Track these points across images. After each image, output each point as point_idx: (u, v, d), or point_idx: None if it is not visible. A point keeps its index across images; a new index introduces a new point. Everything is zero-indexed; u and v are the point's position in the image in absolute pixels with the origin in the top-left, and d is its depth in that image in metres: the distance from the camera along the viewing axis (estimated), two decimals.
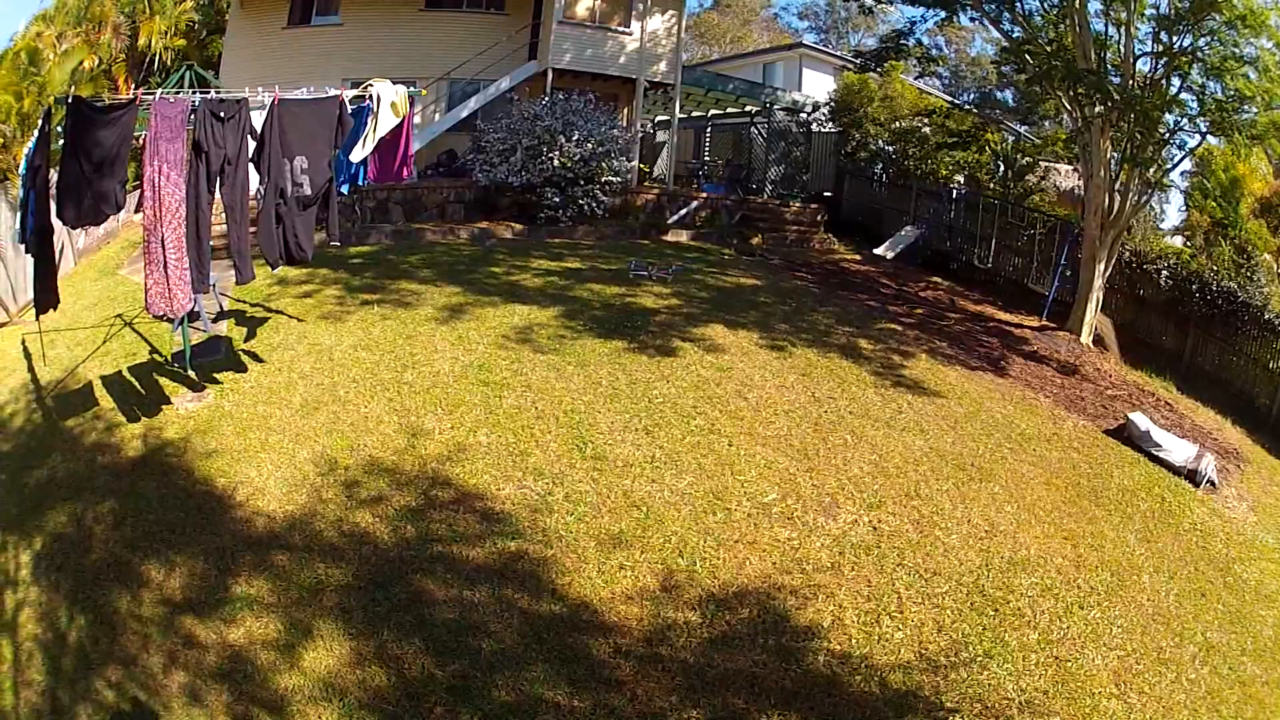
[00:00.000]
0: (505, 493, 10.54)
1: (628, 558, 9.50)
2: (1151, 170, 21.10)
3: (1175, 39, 19.18)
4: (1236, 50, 18.19)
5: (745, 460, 11.71)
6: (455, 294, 17.49)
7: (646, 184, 31.47)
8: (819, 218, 31.36)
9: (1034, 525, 11.41)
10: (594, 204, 26.18)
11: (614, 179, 26.74)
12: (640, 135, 32.84)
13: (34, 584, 9.41)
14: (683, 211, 29.42)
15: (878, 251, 27.99)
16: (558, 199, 25.43)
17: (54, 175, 11.29)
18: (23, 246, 11.84)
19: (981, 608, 9.51)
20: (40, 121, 11.06)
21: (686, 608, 8.86)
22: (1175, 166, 23.47)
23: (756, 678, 8.14)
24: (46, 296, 11.82)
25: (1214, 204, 31.29)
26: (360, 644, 8.26)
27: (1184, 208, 36.06)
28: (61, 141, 10.54)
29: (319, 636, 8.35)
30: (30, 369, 14.67)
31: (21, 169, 11.45)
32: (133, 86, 31.68)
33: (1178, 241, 33.97)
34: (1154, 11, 19.85)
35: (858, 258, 28.12)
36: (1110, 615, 9.92)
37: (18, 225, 12.20)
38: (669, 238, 27.51)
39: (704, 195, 31.03)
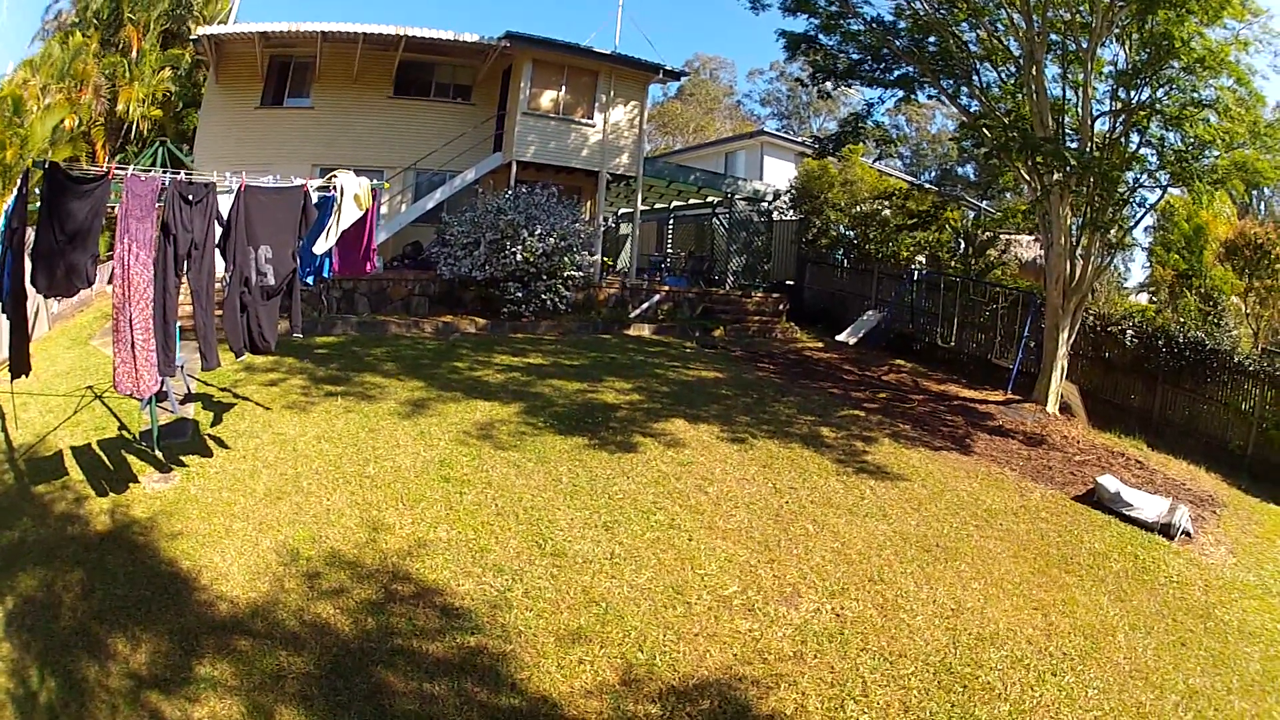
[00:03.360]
0: (465, 588, 10.55)
1: (587, 652, 9.50)
2: (1113, 231, 21.83)
3: (1133, 93, 19.94)
4: (1195, 95, 19.05)
5: (705, 554, 11.79)
6: (418, 388, 17.74)
7: (610, 277, 31.90)
8: (781, 307, 31.97)
9: (1002, 599, 11.50)
10: (557, 299, 26.57)
11: (576, 273, 27.18)
12: (603, 228, 33.28)
13: (5, 640, 9.28)
14: (645, 305, 29.93)
15: (840, 338, 28.68)
16: (521, 294, 25.85)
17: (30, 237, 11.32)
18: None
19: (949, 685, 9.52)
20: (19, 181, 11.14)
21: (646, 700, 8.83)
22: (1137, 224, 24.19)
23: None
24: (19, 361, 11.93)
25: (1177, 256, 32.14)
26: None
27: (1147, 264, 36.85)
28: (38, 205, 10.64)
29: None
30: (3, 428, 14.70)
31: (4, 225, 11.46)
32: (109, 153, 32.01)
33: (1143, 299, 34.90)
34: (1111, 69, 20.77)
35: (820, 345, 28.82)
36: (1085, 679, 9.94)
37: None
38: (632, 332, 27.88)
39: (666, 288, 31.49)
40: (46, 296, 13.02)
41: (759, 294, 33.02)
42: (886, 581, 11.60)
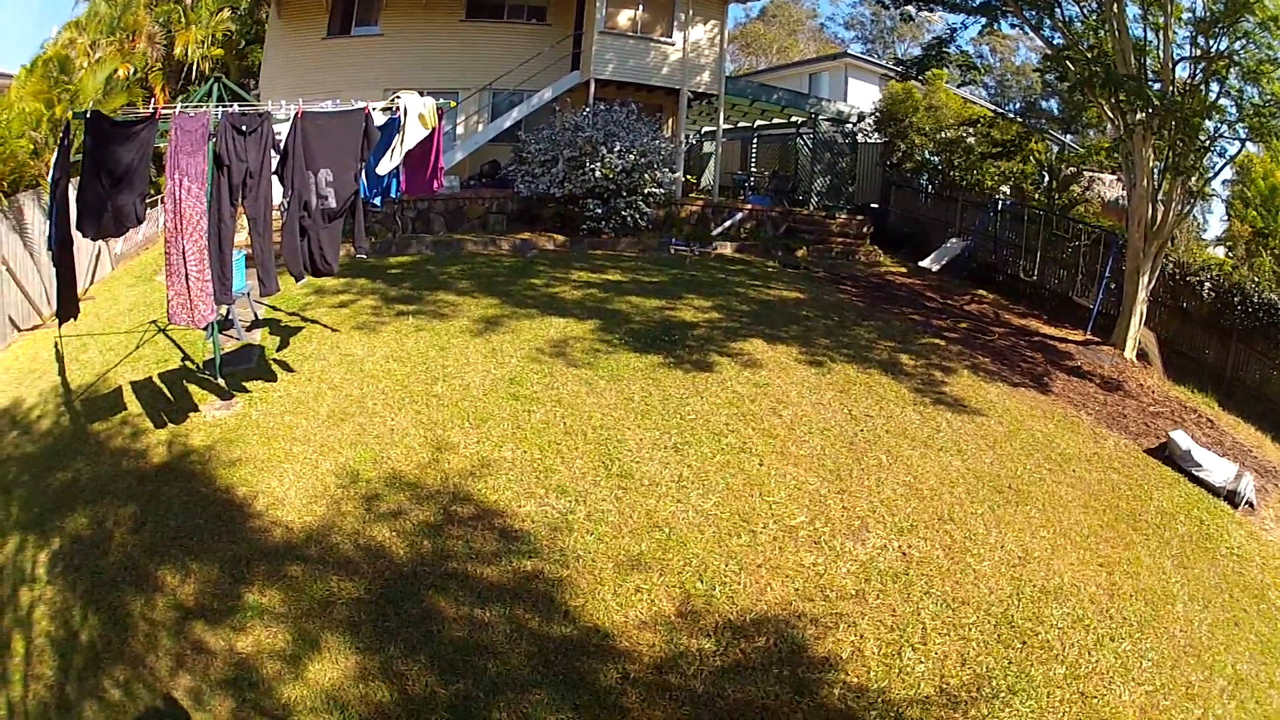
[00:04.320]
0: (526, 510, 10.38)
1: (645, 581, 9.29)
2: (1193, 179, 20.66)
3: (1212, 42, 18.93)
4: (1271, 53, 17.99)
5: (775, 480, 11.44)
6: (492, 305, 17.46)
7: (692, 195, 31.28)
8: (865, 230, 31.10)
9: (1069, 551, 11.04)
10: (637, 215, 26.09)
11: (657, 190, 26.58)
12: (686, 146, 32.68)
13: (50, 583, 9.39)
14: (728, 223, 29.33)
15: (923, 264, 27.79)
16: (600, 210, 25.42)
17: (73, 189, 11.38)
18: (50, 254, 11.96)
19: (1009, 640, 9.19)
20: (60, 133, 11.16)
21: (701, 635, 8.63)
22: (1216, 174, 22.88)
23: (768, 710, 7.87)
24: (67, 306, 12.11)
25: (1254, 213, 30.49)
26: (366, 659, 8.14)
27: (1225, 217, 35.28)
28: (80, 156, 10.64)
29: (326, 649, 8.24)
30: (61, 372, 14.75)
31: (51, 177, 11.56)
32: (170, 96, 32.12)
33: (1220, 252, 33.31)
34: (1190, 15, 19.66)
35: (903, 270, 27.93)
36: (1141, 648, 9.56)
37: (49, 233, 12.29)
38: (714, 250, 27.27)
39: (749, 207, 30.83)
40: (95, 239, 13.04)
41: (843, 216, 32.09)
42: (956, 521, 11.17)
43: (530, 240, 24.98)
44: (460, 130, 29.32)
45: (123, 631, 8.56)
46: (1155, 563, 11.33)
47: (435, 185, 14.53)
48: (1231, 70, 18.78)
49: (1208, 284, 22.04)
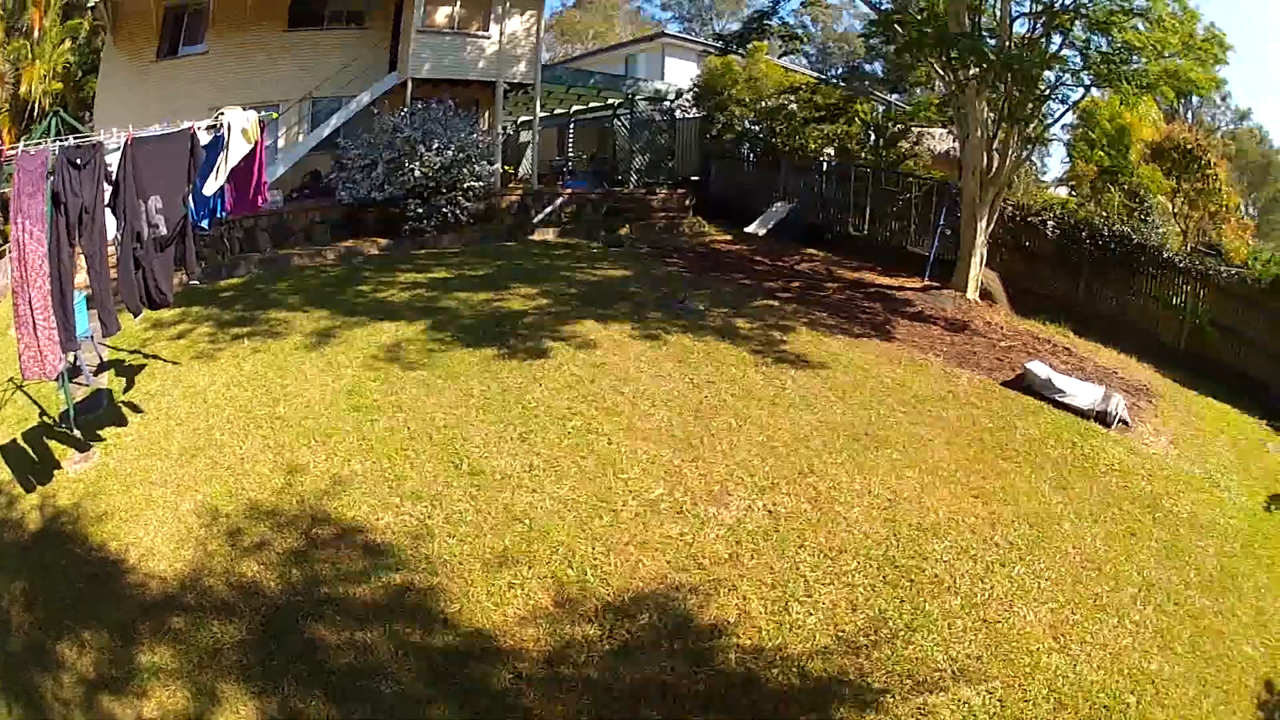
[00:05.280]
0: (385, 522, 10.45)
1: (516, 575, 9.50)
2: (1031, 126, 21.64)
3: None
4: (1125, 4, 18.58)
5: (627, 458, 11.77)
6: (323, 317, 17.37)
7: (511, 186, 31.65)
8: (687, 202, 31.85)
9: (939, 488, 11.52)
10: (458, 211, 26.20)
11: (476, 184, 26.72)
12: (503, 137, 32.81)
13: None
14: (548, 209, 29.57)
15: (749, 229, 28.46)
16: (421, 210, 25.52)
17: None
18: None
19: (895, 580, 9.57)
20: None
21: (583, 621, 8.85)
22: (1056, 121, 24.20)
23: (668, 686, 8.13)
24: None
25: (1101, 153, 32.02)
26: (264, 702, 8.15)
27: (1067, 159, 36.94)
28: None
29: (224, 699, 8.23)
30: None
31: None
32: (15, 137, 30.76)
33: (1062, 192, 35.01)
34: None
35: (729, 238, 28.67)
36: (1036, 569, 10.00)
37: None
38: (536, 237, 27.70)
39: (569, 191, 31.23)
40: None
41: (664, 191, 32.81)
42: (817, 474, 11.62)
43: (355, 247, 24.89)
44: (282, 142, 28.72)
45: (40, 715, 8.43)
46: (1032, 487, 11.86)
47: (259, 201, 14.27)
48: (1077, 22, 19.44)
49: (1051, 223, 23.26)
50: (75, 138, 11.35)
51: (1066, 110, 23.73)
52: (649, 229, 29.34)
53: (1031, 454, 12.89)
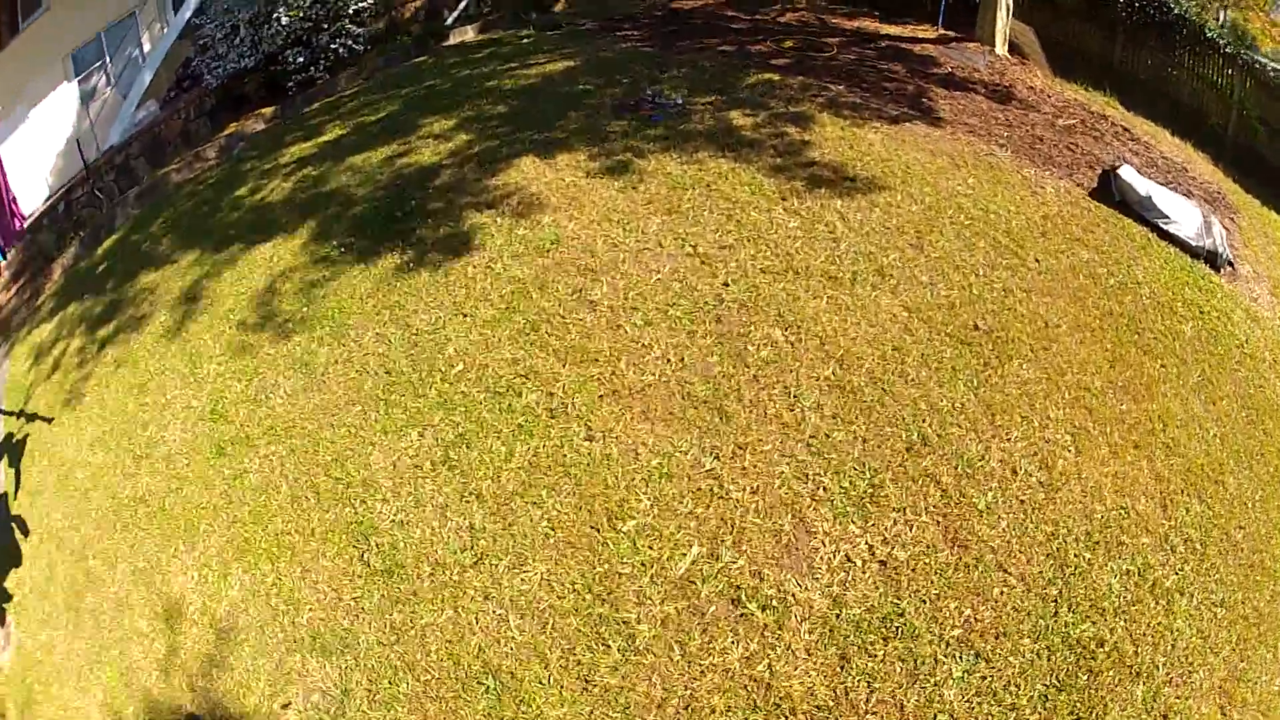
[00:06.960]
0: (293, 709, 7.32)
1: None
2: None
3: None
4: None
5: (621, 473, 7.92)
6: (191, 263, 13.37)
7: None
8: None
9: (1095, 436, 8.19)
10: (349, 42, 22.46)
11: (364, 3, 22.89)
12: None
13: None
14: (463, 3, 24.90)
15: None
16: (304, 58, 21.87)
17: None
18: None
19: (1068, 679, 6.65)
20: None
21: None
22: None
23: None
24: None
25: None
26: None
27: None
28: None
29: None
30: None
31: None
32: None
33: None
34: None
35: None
36: (1208, 587, 7.30)
37: None
38: (452, 40, 23.40)
39: None
40: None
41: None
42: (931, 446, 7.99)
43: (238, 131, 21.33)
44: (147, 46, 24.55)
45: None
46: (1188, 413, 8.77)
47: (16, 223, 11.02)
48: None
49: None
50: None
51: None
52: None
53: (1170, 339, 9.76)
